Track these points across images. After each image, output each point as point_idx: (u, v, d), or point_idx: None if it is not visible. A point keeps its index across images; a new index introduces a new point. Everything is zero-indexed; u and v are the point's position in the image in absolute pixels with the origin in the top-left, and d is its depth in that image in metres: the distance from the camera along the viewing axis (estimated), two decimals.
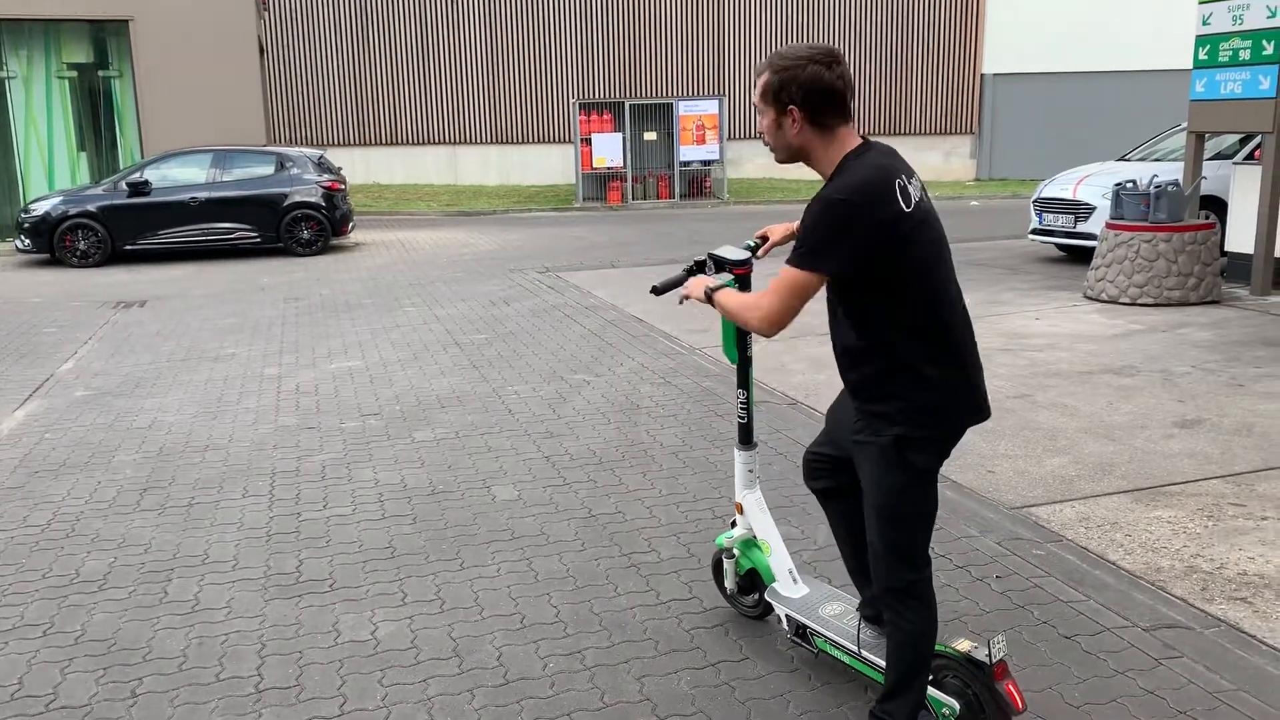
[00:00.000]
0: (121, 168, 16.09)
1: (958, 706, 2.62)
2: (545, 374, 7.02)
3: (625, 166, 21.34)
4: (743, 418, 3.18)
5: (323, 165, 14.85)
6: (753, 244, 3.18)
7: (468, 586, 3.79)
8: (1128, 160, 11.97)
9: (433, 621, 3.52)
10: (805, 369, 6.86)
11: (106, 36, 16.73)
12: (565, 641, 3.36)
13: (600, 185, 21.70)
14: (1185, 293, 8.79)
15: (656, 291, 3.13)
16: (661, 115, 21.62)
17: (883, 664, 2.73)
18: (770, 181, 23.87)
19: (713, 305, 2.72)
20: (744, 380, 3.15)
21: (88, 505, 4.74)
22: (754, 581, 3.38)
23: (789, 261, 2.41)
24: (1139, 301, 8.84)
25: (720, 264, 3.00)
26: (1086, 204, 10.94)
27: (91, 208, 13.70)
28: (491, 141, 24.59)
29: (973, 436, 5.30)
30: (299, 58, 23.65)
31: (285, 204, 14.28)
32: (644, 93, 24.38)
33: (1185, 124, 9.92)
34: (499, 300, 10.15)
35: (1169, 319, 8.28)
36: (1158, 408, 5.83)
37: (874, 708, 2.69)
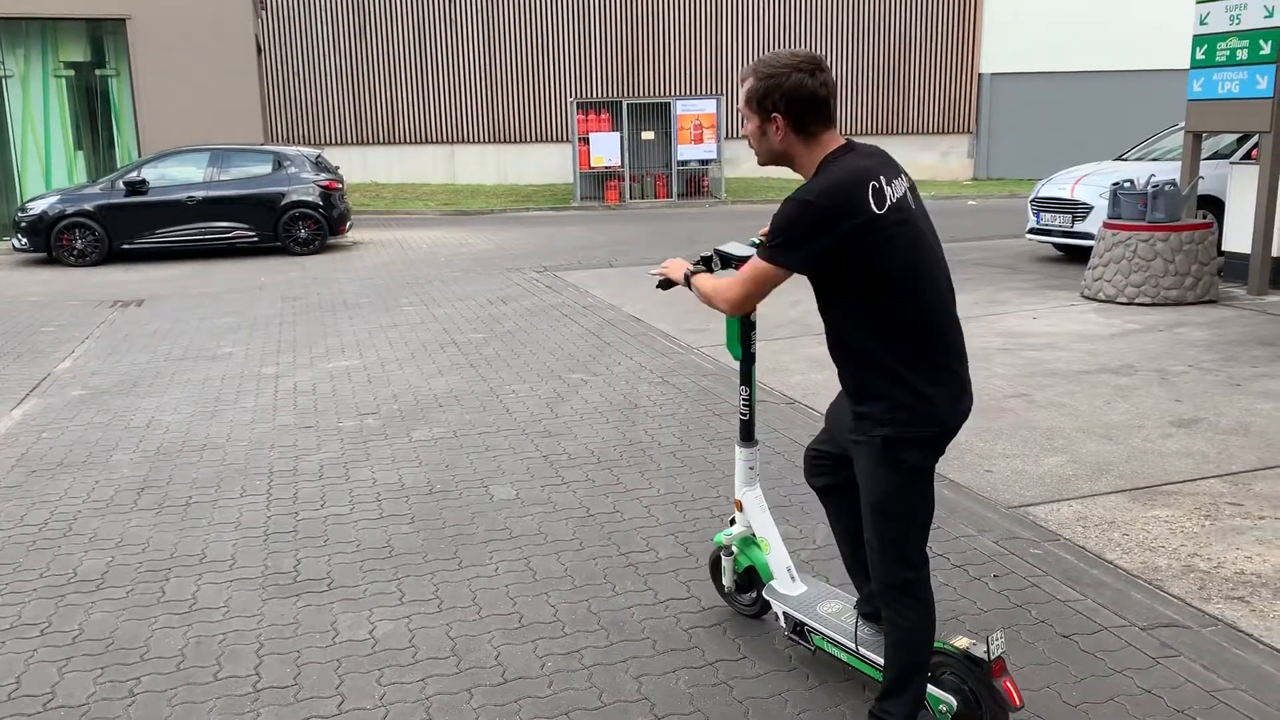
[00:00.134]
0: (119, 167, 16.07)
1: (955, 703, 2.63)
2: (543, 373, 7.02)
3: (623, 166, 21.33)
4: (745, 414, 3.19)
5: (320, 164, 14.84)
6: (757, 241, 3.19)
7: (465, 586, 3.79)
8: (1125, 160, 11.98)
9: (431, 621, 3.52)
10: (804, 369, 6.86)
11: (104, 35, 16.70)
12: (563, 641, 3.36)
13: (598, 184, 21.70)
14: (1182, 292, 8.80)
15: (663, 287, 3.17)
16: (659, 114, 21.62)
17: (880, 661, 2.73)
18: (768, 181, 23.86)
19: (689, 288, 2.85)
20: (747, 377, 3.15)
21: (85, 504, 4.73)
22: (751, 580, 3.39)
23: (758, 253, 2.54)
24: (1136, 301, 8.85)
25: (726, 260, 3.03)
26: (1084, 203, 10.95)
27: (89, 207, 13.68)
28: (489, 141, 24.58)
29: (970, 436, 5.31)
30: (297, 57, 23.63)
31: (283, 203, 14.26)
32: (642, 92, 24.37)
33: (1182, 123, 9.93)
34: (497, 299, 10.14)
35: (1166, 318, 8.29)
36: (1155, 407, 5.84)
37: (873, 706, 2.69)
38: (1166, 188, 8.85)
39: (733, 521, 3.37)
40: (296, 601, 3.70)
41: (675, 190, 21.80)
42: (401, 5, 23.78)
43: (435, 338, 8.33)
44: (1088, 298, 9.26)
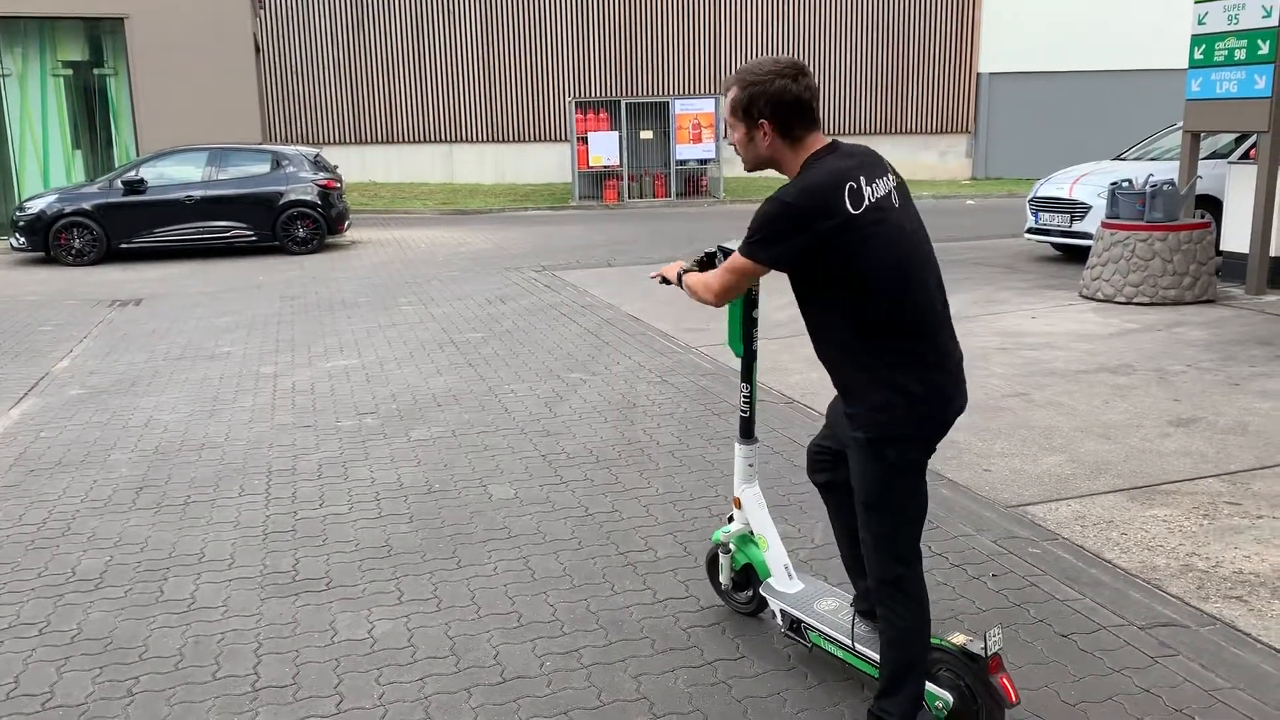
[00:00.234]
0: (117, 166, 16.06)
1: (951, 699, 2.63)
2: (542, 372, 7.02)
3: (621, 165, 21.33)
4: (745, 411, 3.20)
5: (318, 163, 14.83)
6: None
7: (464, 585, 3.79)
8: (1123, 159, 11.98)
9: (429, 620, 3.52)
10: (803, 368, 6.86)
11: (102, 34, 16.69)
12: (562, 640, 3.36)
13: (596, 184, 21.70)
14: (1180, 292, 8.80)
15: (665, 281, 3.21)
16: (658, 114, 21.62)
17: (876, 657, 2.75)
18: (767, 180, 23.82)
19: (681, 286, 2.96)
20: (748, 374, 3.16)
21: (83, 504, 4.73)
22: (748, 578, 3.39)
23: (738, 249, 2.63)
24: (1134, 301, 8.85)
25: (728, 255, 3.04)
26: (1082, 203, 10.95)
27: (87, 206, 13.66)
28: (487, 140, 24.57)
29: (969, 435, 5.31)
30: (295, 56, 23.61)
31: (281, 202, 14.25)
32: (640, 91, 24.37)
33: (1181, 123, 9.93)
34: (495, 299, 10.14)
35: (1164, 318, 8.30)
36: (1153, 406, 5.84)
37: (871, 705, 2.69)
38: (1165, 187, 8.85)
39: (731, 519, 3.38)
40: (295, 601, 3.69)
41: (673, 189, 21.80)
42: (400, 4, 23.76)
43: (434, 337, 8.33)
44: (1086, 297, 9.26)
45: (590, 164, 21.25)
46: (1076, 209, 11.03)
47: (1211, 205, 10.14)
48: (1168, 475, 4.75)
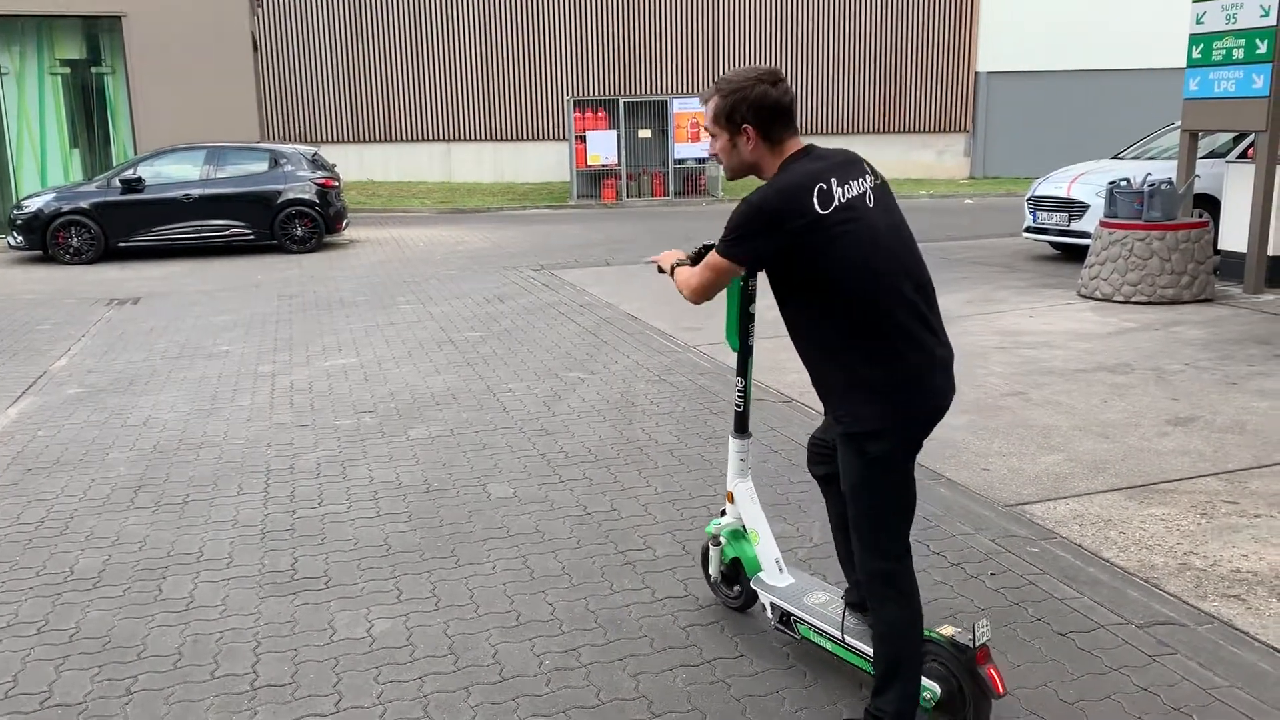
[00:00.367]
0: (115, 164, 16.04)
1: (938, 691, 2.64)
2: (540, 371, 7.02)
3: (620, 164, 21.32)
4: (739, 406, 3.21)
5: (316, 162, 14.82)
6: None
7: (463, 584, 3.79)
8: (1122, 159, 11.99)
9: (428, 619, 3.52)
10: (801, 367, 6.84)
11: (99, 32, 16.67)
12: (561, 639, 3.36)
13: (595, 183, 21.69)
14: (1179, 291, 8.81)
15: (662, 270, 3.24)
16: (656, 113, 21.61)
17: (866, 649, 2.77)
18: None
19: (672, 278, 3.00)
20: (743, 368, 3.18)
21: (81, 503, 4.72)
22: (738, 572, 3.40)
23: (715, 248, 2.70)
24: (1133, 300, 8.86)
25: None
26: (1080, 202, 10.96)
27: (85, 204, 13.65)
28: (486, 139, 24.56)
29: (967, 434, 5.32)
30: (293, 54, 23.60)
31: (279, 201, 14.24)
32: (639, 90, 24.37)
33: (1179, 122, 9.94)
34: (493, 298, 10.14)
35: (1162, 317, 8.30)
36: (1151, 405, 5.85)
37: (869, 705, 2.70)
38: (1163, 186, 8.86)
39: (723, 512, 3.39)
40: (294, 600, 3.69)
41: (672, 188, 21.80)
42: (400, 4, 23.75)
43: (432, 336, 8.33)
44: (1084, 296, 9.27)
45: (588, 163, 21.24)
46: (1075, 208, 11.04)
47: (1209, 204, 10.15)
48: (1166, 474, 4.75)
